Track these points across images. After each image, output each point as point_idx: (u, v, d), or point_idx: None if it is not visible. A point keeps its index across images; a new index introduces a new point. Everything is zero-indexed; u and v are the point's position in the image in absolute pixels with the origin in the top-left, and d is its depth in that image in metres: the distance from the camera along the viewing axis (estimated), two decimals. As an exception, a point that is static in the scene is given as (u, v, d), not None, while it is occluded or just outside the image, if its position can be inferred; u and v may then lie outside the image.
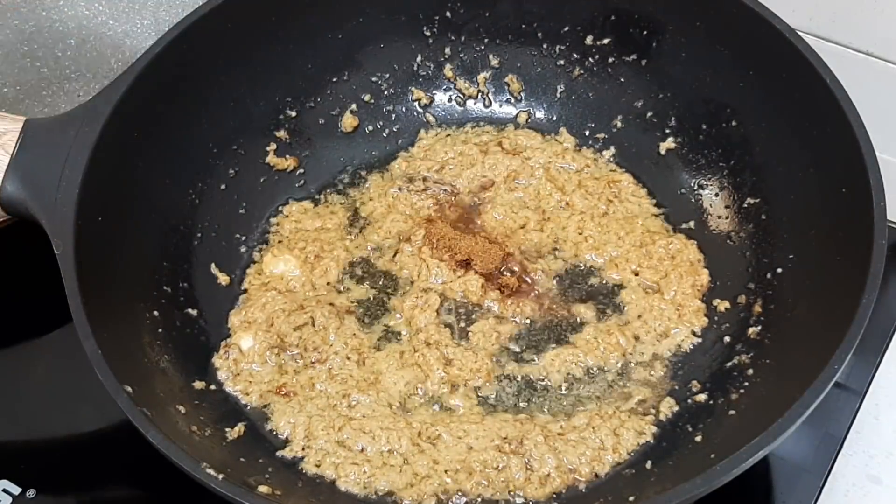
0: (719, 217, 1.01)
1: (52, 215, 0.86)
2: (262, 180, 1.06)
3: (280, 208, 1.06)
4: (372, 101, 1.10)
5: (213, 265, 1.00)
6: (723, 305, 0.95)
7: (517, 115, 1.11)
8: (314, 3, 1.04)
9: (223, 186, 1.03)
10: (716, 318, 0.95)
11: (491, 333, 0.95)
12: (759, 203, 0.98)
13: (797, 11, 1.02)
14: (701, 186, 1.03)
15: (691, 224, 1.02)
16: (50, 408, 0.98)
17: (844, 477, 0.92)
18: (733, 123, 1.00)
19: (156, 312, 0.92)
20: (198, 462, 0.76)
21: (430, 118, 1.11)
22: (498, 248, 1.00)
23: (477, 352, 0.94)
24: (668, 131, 1.05)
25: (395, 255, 1.01)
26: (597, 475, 0.86)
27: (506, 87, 1.11)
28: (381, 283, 1.00)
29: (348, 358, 0.93)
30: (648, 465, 0.85)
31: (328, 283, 1.00)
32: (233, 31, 1.00)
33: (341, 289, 0.99)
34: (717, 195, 1.02)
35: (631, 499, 0.79)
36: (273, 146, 1.06)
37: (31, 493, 0.91)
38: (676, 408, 0.90)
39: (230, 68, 1.01)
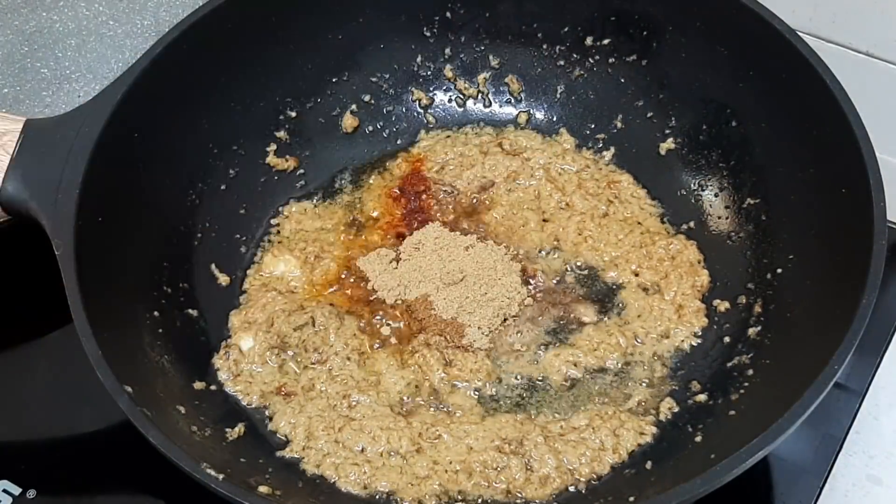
0: (719, 217, 1.01)
1: (52, 215, 0.86)
2: (262, 180, 1.06)
3: (280, 208, 1.06)
4: (372, 101, 1.10)
5: (213, 265, 1.00)
6: (723, 306, 0.95)
7: (517, 115, 1.11)
8: (314, 3, 1.04)
9: (223, 187, 1.03)
10: (716, 319, 0.95)
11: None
12: (759, 203, 0.98)
13: (797, 12, 1.02)
14: (701, 187, 1.03)
15: (691, 224, 1.02)
16: (50, 408, 0.97)
17: (844, 477, 0.92)
18: (733, 123, 1.00)
19: (156, 312, 0.92)
20: (198, 462, 0.76)
21: (430, 118, 1.11)
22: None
23: (477, 352, 0.94)
24: (668, 131, 1.05)
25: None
26: (597, 475, 0.86)
27: (506, 88, 1.11)
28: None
29: (348, 358, 0.93)
30: (648, 465, 0.85)
31: (328, 283, 1.00)
32: (233, 31, 1.00)
33: (341, 289, 0.99)
34: (717, 195, 1.02)
35: (631, 499, 0.79)
36: (273, 146, 1.06)
37: (31, 493, 0.91)
38: (676, 408, 0.90)
39: (230, 68, 1.01)
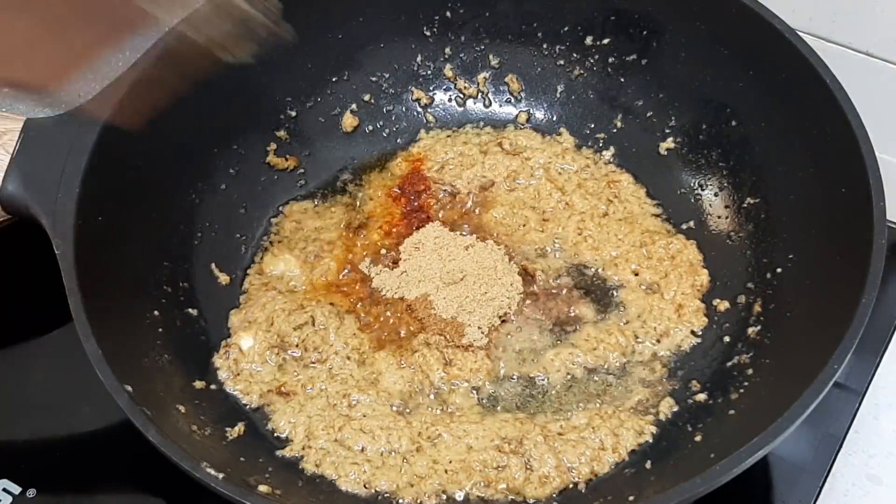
0: (719, 217, 1.01)
1: (52, 215, 0.86)
2: (262, 180, 1.06)
3: (280, 208, 1.06)
4: (372, 101, 1.10)
5: (213, 265, 1.00)
6: (723, 305, 0.95)
7: (517, 115, 1.11)
8: (314, 3, 1.04)
9: (223, 186, 1.03)
10: (716, 318, 0.95)
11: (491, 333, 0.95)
12: (759, 203, 0.98)
13: (797, 11, 1.02)
14: (701, 186, 1.03)
15: (691, 224, 1.02)
16: (50, 408, 0.97)
17: (844, 477, 0.92)
18: (733, 123, 1.00)
19: (156, 312, 0.92)
20: (198, 461, 0.76)
21: (430, 118, 1.11)
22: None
23: (476, 351, 0.94)
24: (668, 131, 1.05)
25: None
26: (596, 475, 0.86)
27: (506, 87, 1.11)
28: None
29: (348, 358, 0.94)
30: (648, 464, 0.85)
31: (328, 283, 1.00)
32: (233, 30, 1.00)
33: (341, 289, 0.99)
34: (716, 195, 1.02)
35: (631, 499, 0.79)
36: (273, 146, 1.07)
37: (31, 492, 0.91)
38: (676, 408, 0.90)
39: (230, 68, 1.01)
